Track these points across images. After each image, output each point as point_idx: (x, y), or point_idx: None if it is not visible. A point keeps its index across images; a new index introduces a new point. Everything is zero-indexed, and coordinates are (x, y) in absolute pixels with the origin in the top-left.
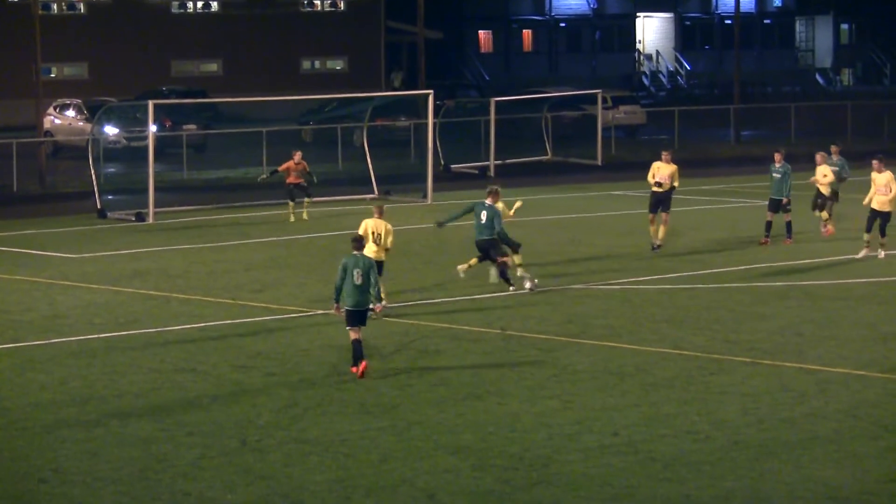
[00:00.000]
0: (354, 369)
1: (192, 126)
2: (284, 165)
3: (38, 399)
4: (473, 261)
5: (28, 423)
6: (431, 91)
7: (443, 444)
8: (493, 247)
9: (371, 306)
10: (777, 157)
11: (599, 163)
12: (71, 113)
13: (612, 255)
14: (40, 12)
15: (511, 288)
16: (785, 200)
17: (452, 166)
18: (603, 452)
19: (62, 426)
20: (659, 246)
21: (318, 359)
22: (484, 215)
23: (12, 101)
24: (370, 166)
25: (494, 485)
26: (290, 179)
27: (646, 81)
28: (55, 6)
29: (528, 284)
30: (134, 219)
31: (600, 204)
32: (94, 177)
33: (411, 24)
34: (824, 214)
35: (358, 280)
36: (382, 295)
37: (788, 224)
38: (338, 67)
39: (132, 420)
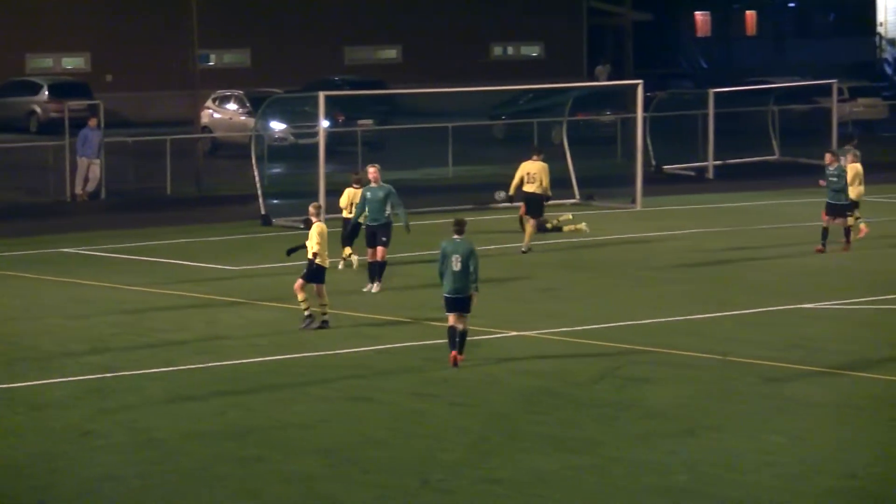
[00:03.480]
0: (458, 357)
1: (368, 121)
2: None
3: (192, 430)
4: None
5: (181, 458)
6: (641, 81)
7: (652, 486)
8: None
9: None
10: (828, 158)
11: None
12: (231, 106)
13: (849, 271)
14: None
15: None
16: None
17: (665, 167)
18: (838, 497)
19: (219, 461)
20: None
21: (510, 387)
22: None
23: (166, 93)
24: (570, 167)
25: None
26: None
27: (888, 70)
28: None
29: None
30: (302, 226)
31: None
32: (257, 178)
33: (617, 4)
34: None
35: (456, 266)
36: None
37: (846, 230)
38: (533, 54)
39: (298, 455)
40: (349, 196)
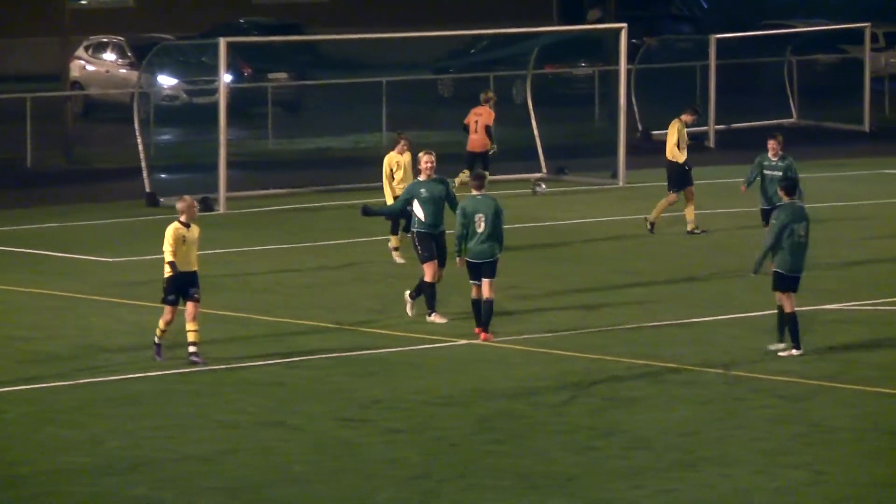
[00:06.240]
0: (482, 334)
1: (282, 75)
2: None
3: (63, 464)
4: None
5: (50, 500)
6: (625, 25)
7: None
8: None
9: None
10: (773, 145)
11: (867, 129)
12: (109, 56)
13: (886, 262)
14: None
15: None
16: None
17: (654, 133)
18: None
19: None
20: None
21: (461, 409)
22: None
23: (29, 40)
24: (536, 133)
25: None
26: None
27: None
28: None
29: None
30: (200, 207)
31: (867, 188)
32: (141, 147)
33: None
34: None
35: (480, 226)
36: None
37: None
38: None
39: (197, 495)
40: (391, 164)
